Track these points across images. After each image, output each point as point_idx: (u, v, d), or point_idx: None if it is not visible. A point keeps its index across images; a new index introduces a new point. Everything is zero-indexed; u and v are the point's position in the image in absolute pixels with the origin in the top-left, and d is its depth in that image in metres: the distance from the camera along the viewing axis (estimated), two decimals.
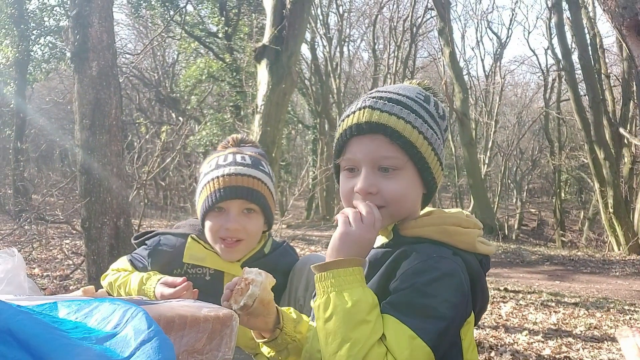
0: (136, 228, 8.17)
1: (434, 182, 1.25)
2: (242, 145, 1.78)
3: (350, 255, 1.13)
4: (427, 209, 1.33)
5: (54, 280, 6.20)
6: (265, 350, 1.35)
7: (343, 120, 1.26)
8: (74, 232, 9.13)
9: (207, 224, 1.65)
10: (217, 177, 1.62)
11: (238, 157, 1.67)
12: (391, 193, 1.20)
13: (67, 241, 9.18)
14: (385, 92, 1.26)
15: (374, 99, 1.23)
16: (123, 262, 1.80)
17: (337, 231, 1.16)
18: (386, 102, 1.22)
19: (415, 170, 1.21)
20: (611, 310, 5.97)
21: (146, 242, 1.77)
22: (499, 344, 4.18)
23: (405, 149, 1.19)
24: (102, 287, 1.76)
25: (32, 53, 14.03)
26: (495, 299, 6.23)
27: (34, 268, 6.72)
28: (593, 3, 16.13)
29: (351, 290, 1.10)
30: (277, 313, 1.30)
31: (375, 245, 1.28)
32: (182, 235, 1.72)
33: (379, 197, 1.21)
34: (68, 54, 5.60)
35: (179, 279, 1.53)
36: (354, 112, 1.23)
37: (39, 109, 19.57)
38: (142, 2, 16.84)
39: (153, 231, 1.82)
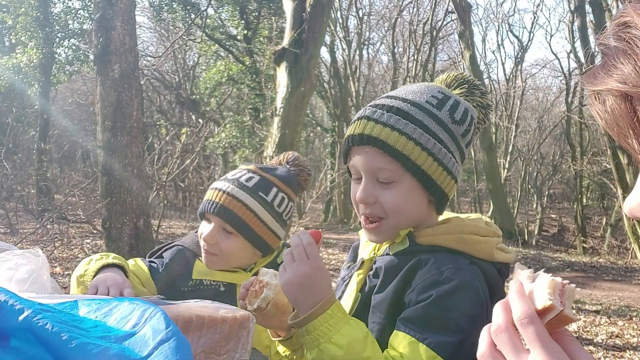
0: (155, 229, 8.25)
1: (441, 191, 1.22)
2: (284, 165, 1.77)
3: (307, 298, 1.11)
4: (446, 215, 1.31)
5: None
6: (280, 349, 1.35)
7: (349, 128, 1.27)
8: (95, 231, 9.26)
9: (200, 227, 1.71)
10: (215, 189, 1.67)
11: (245, 177, 1.67)
12: (389, 204, 1.19)
13: (88, 241, 9.32)
14: (392, 98, 1.25)
15: (374, 109, 1.23)
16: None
17: (280, 284, 1.15)
18: (384, 112, 1.20)
19: (415, 181, 1.19)
20: (634, 318, 5.85)
21: (163, 254, 1.80)
22: None
23: (399, 161, 1.17)
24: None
25: (56, 55, 14.31)
26: None
27: (56, 267, 6.83)
28: (617, 6, 15.88)
29: (338, 335, 1.07)
30: (292, 313, 1.30)
31: (391, 252, 1.26)
32: (194, 254, 1.75)
33: (378, 207, 1.20)
34: (91, 57, 5.70)
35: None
36: (354, 122, 1.24)
37: (62, 110, 19.93)
38: (163, 5, 17.03)
39: (166, 246, 1.84)
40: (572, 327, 5.22)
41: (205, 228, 1.66)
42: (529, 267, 0.76)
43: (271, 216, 1.66)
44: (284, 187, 1.70)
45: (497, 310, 0.72)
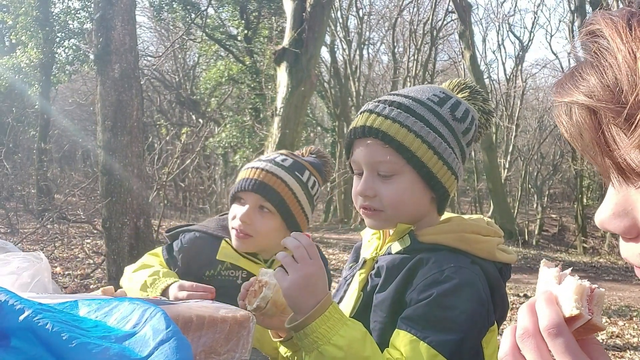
0: (155, 229, 8.25)
1: (442, 187, 1.23)
2: (310, 155, 1.79)
3: (309, 299, 1.09)
4: (447, 215, 1.31)
5: (75, 279, 6.29)
6: (282, 350, 1.35)
7: (352, 122, 1.28)
8: (95, 231, 9.26)
9: (230, 210, 1.69)
10: (252, 168, 1.66)
11: (280, 158, 1.69)
12: (388, 197, 1.19)
13: (88, 241, 9.32)
14: (396, 95, 1.27)
15: (377, 103, 1.25)
16: (147, 257, 1.80)
17: (282, 288, 1.12)
18: (387, 105, 1.22)
19: (415, 175, 1.20)
20: (634, 318, 5.86)
21: (180, 237, 1.77)
22: None
23: (400, 153, 1.18)
24: (121, 287, 1.77)
25: (56, 55, 14.31)
26: (515, 306, 6.15)
27: (56, 267, 6.83)
28: (617, 6, 15.88)
29: (337, 337, 1.06)
30: (290, 316, 1.29)
31: (392, 251, 1.26)
32: (217, 238, 1.73)
33: (377, 201, 1.21)
34: (91, 57, 5.70)
35: (198, 285, 1.52)
36: (357, 115, 1.27)
37: (62, 110, 19.94)
38: (163, 5, 17.04)
39: (188, 225, 1.82)
40: None
41: (238, 210, 1.63)
42: (556, 265, 0.71)
43: (306, 197, 1.67)
44: (314, 172, 1.73)
45: (524, 313, 0.68)
